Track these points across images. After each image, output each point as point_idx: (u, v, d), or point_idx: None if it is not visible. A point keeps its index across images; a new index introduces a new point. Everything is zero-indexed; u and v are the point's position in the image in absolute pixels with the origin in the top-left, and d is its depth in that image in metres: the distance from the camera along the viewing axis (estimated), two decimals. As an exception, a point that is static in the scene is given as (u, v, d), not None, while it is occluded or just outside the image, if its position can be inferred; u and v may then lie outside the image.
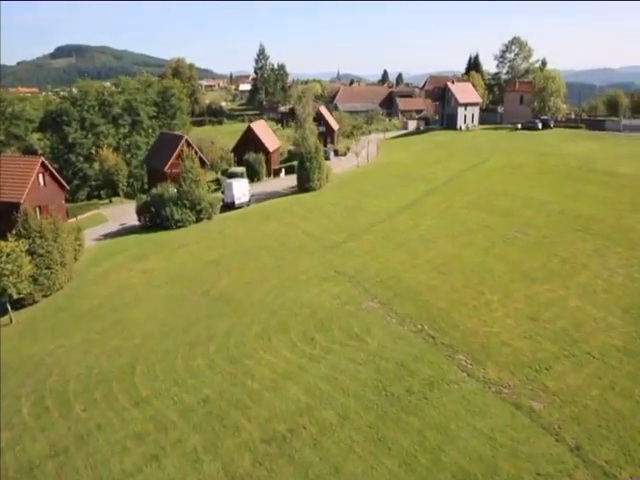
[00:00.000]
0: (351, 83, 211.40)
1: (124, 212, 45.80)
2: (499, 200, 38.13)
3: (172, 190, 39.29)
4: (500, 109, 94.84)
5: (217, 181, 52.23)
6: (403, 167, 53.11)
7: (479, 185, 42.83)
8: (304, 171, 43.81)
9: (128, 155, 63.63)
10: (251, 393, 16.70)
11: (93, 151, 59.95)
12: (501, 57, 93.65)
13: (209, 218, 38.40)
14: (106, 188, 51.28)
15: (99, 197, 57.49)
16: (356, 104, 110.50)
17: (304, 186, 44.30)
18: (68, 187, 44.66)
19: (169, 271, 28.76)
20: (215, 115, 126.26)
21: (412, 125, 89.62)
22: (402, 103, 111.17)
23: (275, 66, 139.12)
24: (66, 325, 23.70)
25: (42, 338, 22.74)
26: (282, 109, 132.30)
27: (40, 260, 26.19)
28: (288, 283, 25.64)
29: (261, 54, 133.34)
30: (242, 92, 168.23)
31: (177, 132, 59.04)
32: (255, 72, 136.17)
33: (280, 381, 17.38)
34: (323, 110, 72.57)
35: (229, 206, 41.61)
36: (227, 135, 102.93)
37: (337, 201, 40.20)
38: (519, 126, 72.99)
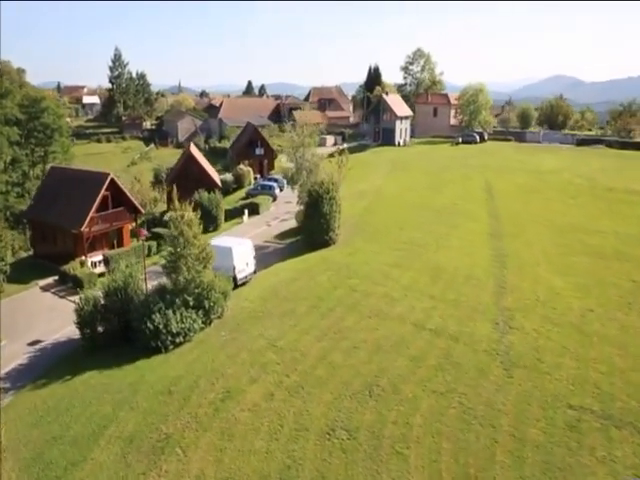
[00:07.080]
0: (201, 95, 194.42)
1: (24, 314, 26.25)
2: (587, 239, 30.50)
3: (124, 272, 22.48)
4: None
5: (157, 236, 34.42)
6: (400, 197, 42.56)
7: (534, 217, 34.84)
8: (322, 218, 30.14)
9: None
10: None
11: None
12: (405, 69, 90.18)
13: (220, 317, 22.59)
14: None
15: None
16: (244, 118, 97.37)
17: (320, 239, 30.67)
18: None
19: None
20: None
21: (330, 141, 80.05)
22: (299, 117, 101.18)
23: (134, 75, 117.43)
24: None
25: None
26: (146, 125, 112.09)
27: None
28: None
29: (117, 61, 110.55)
30: (87, 106, 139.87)
31: (89, 168, 39.01)
32: (110, 82, 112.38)
33: None
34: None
35: (225, 284, 25.95)
36: (84, 159, 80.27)
37: (395, 260, 27.73)
38: (460, 140, 69.13)
